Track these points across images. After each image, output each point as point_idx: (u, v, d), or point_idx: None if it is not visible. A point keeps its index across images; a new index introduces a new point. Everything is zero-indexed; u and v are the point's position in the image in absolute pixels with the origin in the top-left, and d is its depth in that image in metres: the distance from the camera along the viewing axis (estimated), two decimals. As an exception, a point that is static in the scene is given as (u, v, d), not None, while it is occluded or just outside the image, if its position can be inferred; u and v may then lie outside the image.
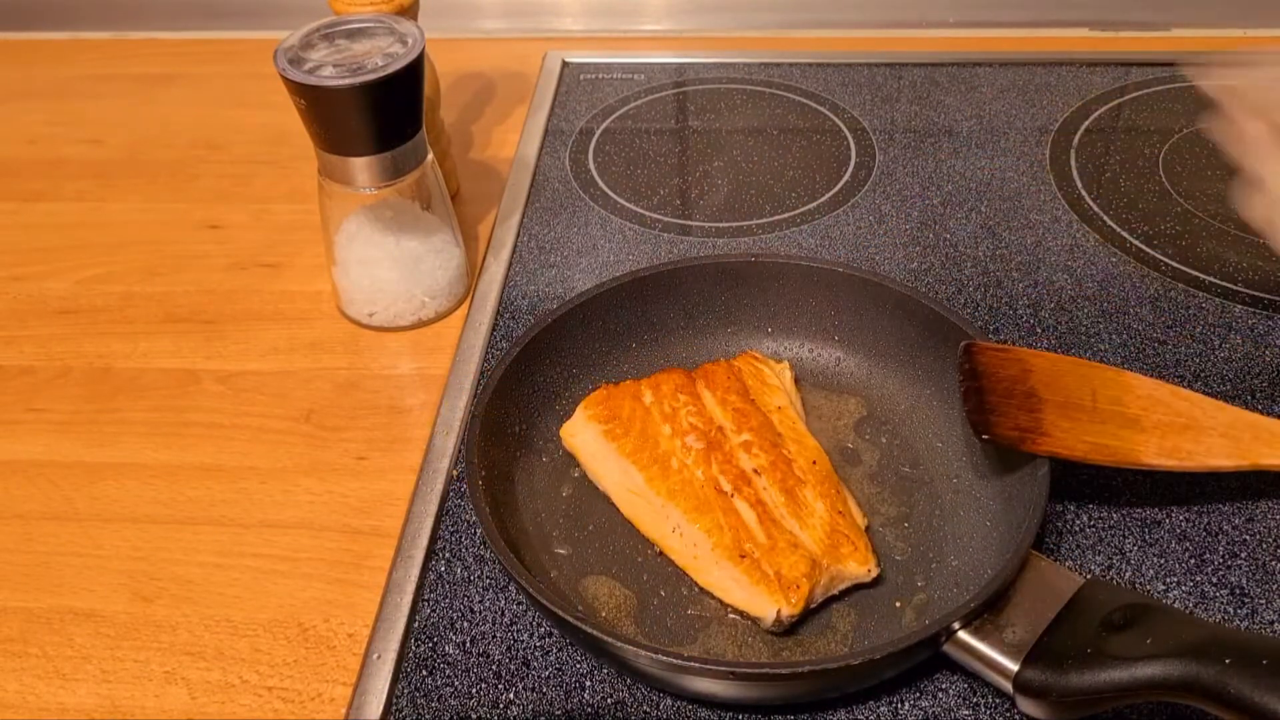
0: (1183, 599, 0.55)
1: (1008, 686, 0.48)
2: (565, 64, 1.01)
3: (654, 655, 0.47)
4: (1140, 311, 0.72)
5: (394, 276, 0.70)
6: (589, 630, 0.48)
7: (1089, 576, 0.51)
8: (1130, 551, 0.57)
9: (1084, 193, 0.83)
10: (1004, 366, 0.58)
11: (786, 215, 0.82)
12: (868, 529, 0.57)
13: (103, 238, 0.83)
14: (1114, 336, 0.70)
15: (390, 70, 0.62)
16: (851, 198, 0.83)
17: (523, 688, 0.53)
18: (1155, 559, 0.57)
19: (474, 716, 0.52)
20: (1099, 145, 0.88)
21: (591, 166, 0.88)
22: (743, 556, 0.54)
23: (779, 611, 0.52)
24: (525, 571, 0.51)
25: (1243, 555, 0.57)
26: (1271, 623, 0.54)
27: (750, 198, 0.84)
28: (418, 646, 0.55)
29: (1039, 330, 0.71)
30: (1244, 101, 0.57)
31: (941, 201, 0.82)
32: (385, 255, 0.70)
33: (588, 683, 0.53)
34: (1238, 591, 0.55)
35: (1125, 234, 0.78)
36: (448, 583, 0.57)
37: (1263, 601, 0.55)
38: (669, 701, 0.52)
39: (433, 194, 0.70)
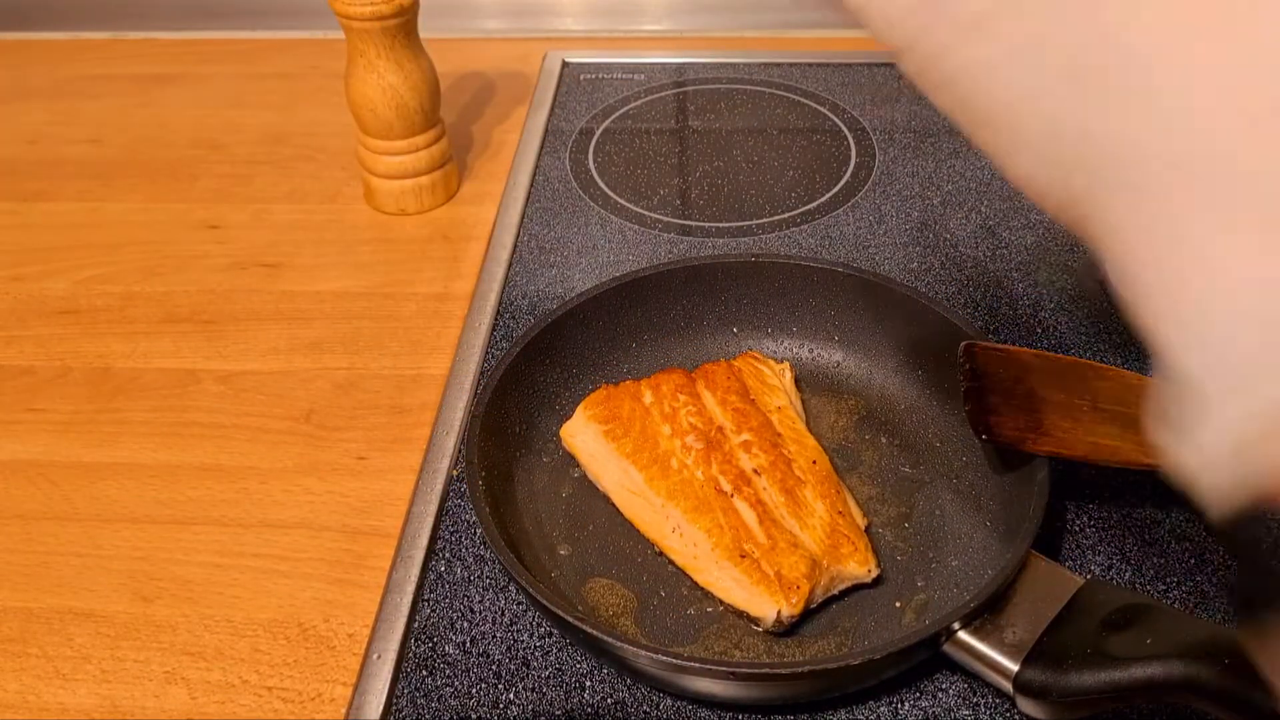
0: (1183, 599, 0.55)
1: (1008, 687, 0.48)
2: (565, 64, 1.01)
3: (654, 655, 0.47)
4: (1140, 311, 0.72)
5: None
6: (589, 630, 0.48)
7: (1089, 576, 0.51)
8: (1130, 551, 0.57)
9: (1084, 193, 0.83)
10: (1004, 366, 0.58)
11: (786, 215, 0.82)
12: (868, 529, 0.57)
13: (103, 238, 0.83)
14: (1114, 336, 0.70)
15: None
16: (851, 198, 0.83)
17: (523, 688, 0.53)
18: (1155, 559, 0.57)
19: (474, 716, 0.52)
20: (1099, 145, 0.88)
21: (591, 166, 0.88)
22: (743, 556, 0.54)
23: (779, 612, 0.52)
24: (525, 571, 0.51)
25: (1243, 555, 0.57)
26: (1271, 623, 0.54)
27: (750, 198, 0.84)
28: (418, 646, 0.55)
29: (1039, 330, 0.71)
30: None
31: (941, 201, 0.82)
32: None
33: (588, 683, 0.53)
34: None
35: (1125, 234, 0.78)
36: (448, 583, 0.57)
37: (1263, 601, 0.55)
38: (669, 701, 0.52)
39: None
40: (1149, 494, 0.60)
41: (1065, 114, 0.23)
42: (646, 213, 0.83)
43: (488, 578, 0.58)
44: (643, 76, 0.99)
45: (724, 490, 0.56)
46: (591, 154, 0.90)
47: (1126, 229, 0.22)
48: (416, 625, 0.56)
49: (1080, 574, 0.52)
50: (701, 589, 0.55)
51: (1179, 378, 0.21)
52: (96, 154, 0.93)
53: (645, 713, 0.52)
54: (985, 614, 0.49)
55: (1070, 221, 0.24)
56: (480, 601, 0.56)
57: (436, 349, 0.72)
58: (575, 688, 0.53)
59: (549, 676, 0.53)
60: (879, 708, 0.51)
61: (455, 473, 0.63)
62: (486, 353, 0.71)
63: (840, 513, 0.56)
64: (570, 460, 0.62)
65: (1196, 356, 0.21)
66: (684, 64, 1.01)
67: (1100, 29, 0.22)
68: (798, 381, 0.66)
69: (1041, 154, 0.24)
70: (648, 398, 0.61)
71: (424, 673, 0.53)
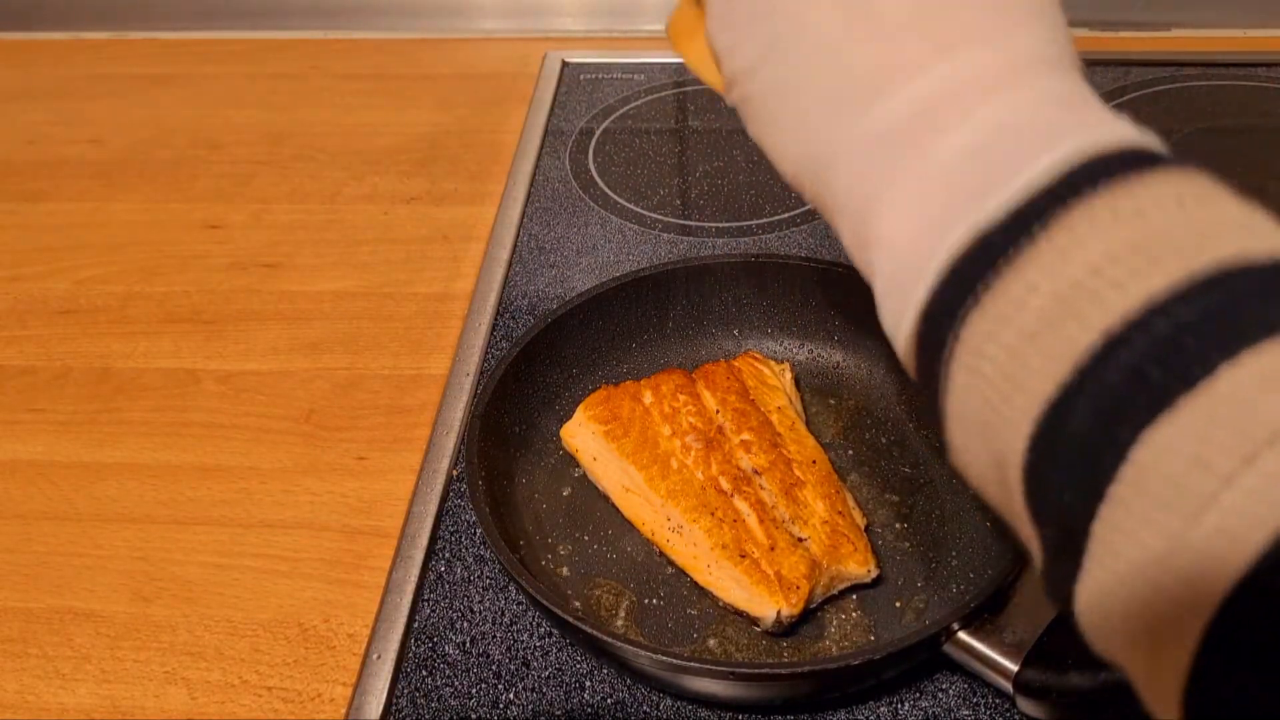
0: (1183, 599, 0.55)
1: (1008, 686, 0.48)
2: (565, 64, 1.01)
3: (654, 655, 0.47)
4: (1140, 311, 0.72)
5: None
6: (589, 630, 0.48)
7: (1089, 576, 0.51)
8: (1130, 551, 0.57)
9: (1084, 193, 0.82)
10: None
11: (786, 215, 0.82)
12: (867, 529, 0.57)
13: (103, 238, 0.83)
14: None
15: None
16: (851, 198, 0.83)
17: (523, 688, 0.53)
18: (1155, 559, 0.57)
19: (474, 716, 0.52)
20: (1099, 145, 0.88)
21: (591, 166, 0.88)
22: (743, 556, 0.54)
23: (779, 612, 0.52)
24: (525, 571, 0.51)
25: (1243, 555, 0.57)
26: (1271, 623, 0.54)
27: (750, 198, 0.84)
28: (418, 646, 0.55)
29: (1039, 330, 0.71)
30: None
31: (941, 201, 0.82)
32: None
33: (588, 683, 0.53)
34: (1238, 591, 0.55)
35: (1125, 234, 0.78)
36: (448, 583, 0.57)
37: (1263, 601, 0.55)
38: (669, 701, 0.52)
39: None
40: (1149, 494, 0.60)
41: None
42: (646, 213, 0.83)
43: (488, 578, 0.58)
44: (643, 76, 0.99)
45: (724, 490, 0.56)
46: (591, 154, 0.90)
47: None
48: (416, 625, 0.56)
49: (1080, 574, 0.52)
50: (701, 589, 0.55)
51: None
52: (96, 154, 0.93)
53: (645, 713, 0.52)
54: (985, 614, 0.49)
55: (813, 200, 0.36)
56: (480, 601, 0.56)
57: (436, 349, 0.72)
58: (575, 688, 0.53)
59: (549, 676, 0.53)
60: (879, 708, 0.51)
61: (455, 473, 0.63)
62: (486, 353, 0.71)
63: (840, 513, 0.56)
64: (570, 460, 0.62)
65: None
66: (684, 64, 1.01)
67: None
68: (798, 381, 0.66)
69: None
70: (648, 398, 0.61)
71: (424, 673, 0.53)
